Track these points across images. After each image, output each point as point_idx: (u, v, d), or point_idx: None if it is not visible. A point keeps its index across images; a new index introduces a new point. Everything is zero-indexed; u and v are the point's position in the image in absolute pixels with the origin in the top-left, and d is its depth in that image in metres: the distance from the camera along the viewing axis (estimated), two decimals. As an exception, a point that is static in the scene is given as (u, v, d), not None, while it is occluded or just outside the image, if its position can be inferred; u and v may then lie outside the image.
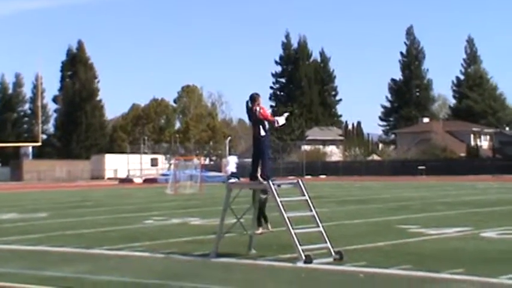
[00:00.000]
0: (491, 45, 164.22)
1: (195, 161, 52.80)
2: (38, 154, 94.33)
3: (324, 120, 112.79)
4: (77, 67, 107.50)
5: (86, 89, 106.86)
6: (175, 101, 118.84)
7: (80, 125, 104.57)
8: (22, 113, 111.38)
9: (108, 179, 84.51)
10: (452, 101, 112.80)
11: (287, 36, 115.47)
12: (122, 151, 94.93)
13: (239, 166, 24.72)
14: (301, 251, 11.78)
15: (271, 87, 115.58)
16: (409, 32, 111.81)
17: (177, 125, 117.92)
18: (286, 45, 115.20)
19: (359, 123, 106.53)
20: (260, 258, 12.45)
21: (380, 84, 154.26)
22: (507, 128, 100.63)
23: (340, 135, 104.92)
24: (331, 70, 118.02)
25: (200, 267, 11.87)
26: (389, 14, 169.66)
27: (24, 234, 17.87)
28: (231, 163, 25.64)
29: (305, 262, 11.62)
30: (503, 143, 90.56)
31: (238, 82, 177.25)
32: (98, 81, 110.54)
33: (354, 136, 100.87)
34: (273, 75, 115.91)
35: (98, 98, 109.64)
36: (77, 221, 21.92)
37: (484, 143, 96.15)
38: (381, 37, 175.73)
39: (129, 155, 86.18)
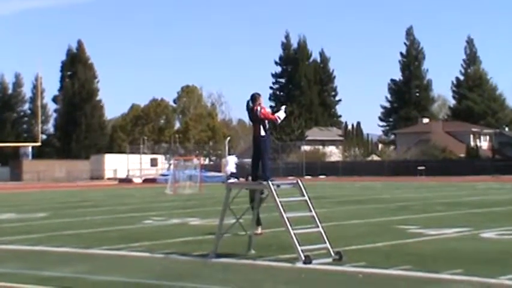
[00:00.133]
0: (491, 45, 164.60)
1: (195, 161, 52.81)
2: (38, 154, 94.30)
3: (323, 120, 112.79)
4: (76, 67, 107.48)
5: (86, 89, 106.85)
6: (175, 101, 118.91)
7: (80, 125, 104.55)
8: (22, 113, 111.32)
9: (108, 179, 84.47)
10: (452, 102, 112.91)
11: (287, 37, 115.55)
12: (121, 151, 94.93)
13: (238, 166, 24.72)
14: (300, 251, 11.77)
15: (270, 88, 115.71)
16: (409, 33, 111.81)
17: (177, 125, 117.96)
18: (285, 46, 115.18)
19: (359, 123, 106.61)
20: (259, 258, 12.44)
21: (380, 85, 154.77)
22: (507, 129, 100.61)
23: (340, 136, 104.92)
24: (331, 70, 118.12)
25: (199, 267, 11.86)
26: (389, 15, 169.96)
27: (23, 234, 17.87)
28: (231, 163, 25.66)
29: (304, 262, 11.61)
30: (503, 144, 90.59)
31: (238, 82, 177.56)
32: (98, 81, 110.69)
33: (353, 136, 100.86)
34: (272, 75, 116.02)
35: (98, 98, 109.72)
36: (76, 221, 21.91)
37: (484, 143, 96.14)
38: (381, 37, 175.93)
39: (128, 155, 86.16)
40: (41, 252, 14.33)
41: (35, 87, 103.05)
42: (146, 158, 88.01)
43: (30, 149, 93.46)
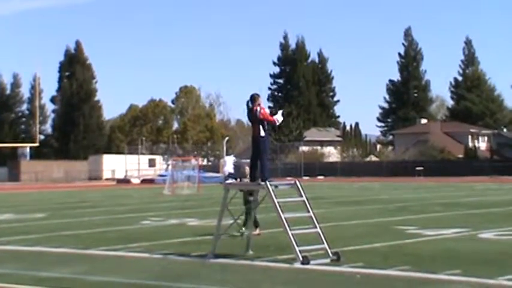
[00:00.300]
0: (489, 46, 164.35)
1: (193, 161, 52.75)
2: (36, 154, 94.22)
3: (321, 121, 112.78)
4: (74, 67, 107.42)
5: (84, 90, 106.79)
6: (173, 102, 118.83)
7: (78, 126, 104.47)
8: (20, 114, 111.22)
9: (106, 179, 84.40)
10: (450, 102, 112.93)
11: (285, 37, 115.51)
12: (119, 152, 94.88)
13: (236, 166, 24.70)
14: (298, 252, 11.77)
15: (269, 88, 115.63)
16: (407, 33, 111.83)
17: (175, 125, 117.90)
18: (284, 46, 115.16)
19: (357, 124, 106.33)
20: (257, 259, 12.45)
21: (378, 85, 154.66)
22: (505, 130, 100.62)
23: (338, 136, 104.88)
24: (329, 71, 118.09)
25: (198, 268, 11.86)
26: (387, 15, 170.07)
27: (21, 234, 17.86)
28: (229, 164, 25.68)
29: (302, 263, 11.62)
30: (501, 145, 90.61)
31: (236, 83, 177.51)
32: (96, 82, 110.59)
33: (351, 137, 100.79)
34: (271, 76, 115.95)
35: (96, 99, 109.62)
36: (75, 222, 21.91)
37: (482, 144, 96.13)
38: (379, 38, 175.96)
39: (126, 155, 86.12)
40: (39, 252, 14.32)
41: (33, 87, 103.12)
42: (144, 159, 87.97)
43: (28, 149, 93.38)
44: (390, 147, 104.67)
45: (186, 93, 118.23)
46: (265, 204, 13.36)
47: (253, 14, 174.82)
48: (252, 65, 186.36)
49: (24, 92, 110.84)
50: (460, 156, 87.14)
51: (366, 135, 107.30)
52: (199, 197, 36.88)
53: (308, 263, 11.62)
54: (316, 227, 12.42)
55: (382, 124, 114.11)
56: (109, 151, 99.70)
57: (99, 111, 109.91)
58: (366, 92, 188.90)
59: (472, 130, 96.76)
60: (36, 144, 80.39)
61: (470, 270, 10.91)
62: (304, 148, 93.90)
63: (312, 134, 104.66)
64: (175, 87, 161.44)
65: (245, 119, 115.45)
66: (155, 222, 20.97)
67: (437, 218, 21.16)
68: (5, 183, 75.85)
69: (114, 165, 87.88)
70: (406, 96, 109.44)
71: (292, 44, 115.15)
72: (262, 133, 12.84)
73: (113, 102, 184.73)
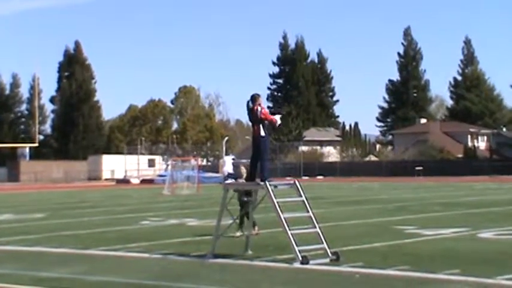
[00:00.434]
0: (489, 46, 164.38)
1: (192, 161, 52.75)
2: (35, 155, 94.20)
3: (321, 121, 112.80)
4: (74, 68, 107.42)
5: (83, 90, 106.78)
6: (172, 102, 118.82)
7: (77, 126, 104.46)
8: (19, 114, 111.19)
9: (105, 179, 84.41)
10: (450, 102, 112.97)
11: (284, 37, 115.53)
12: (119, 152, 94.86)
13: (235, 167, 24.67)
14: (297, 251, 11.78)
15: (268, 88, 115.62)
16: (407, 33, 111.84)
17: (174, 125, 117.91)
18: (283, 46, 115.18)
19: (356, 124, 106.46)
20: (257, 259, 12.45)
21: (377, 85, 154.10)
22: (504, 129, 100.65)
23: (338, 136, 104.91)
24: (329, 71, 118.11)
25: (197, 268, 11.87)
26: (386, 15, 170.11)
27: (21, 235, 17.86)
28: (228, 163, 25.66)
29: (302, 263, 11.62)
30: (501, 144, 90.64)
31: (236, 83, 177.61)
32: (95, 82, 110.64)
33: (351, 137, 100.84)
34: (270, 76, 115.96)
35: (95, 99, 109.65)
36: (74, 222, 21.91)
37: (481, 143, 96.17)
38: (378, 38, 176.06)
39: (126, 155, 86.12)
40: (38, 253, 14.32)
41: (32, 87, 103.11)
42: (144, 159, 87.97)
43: (27, 149, 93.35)
44: (390, 147, 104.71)
45: (186, 93, 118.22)
46: (265, 204, 13.36)
47: (253, 14, 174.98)
48: (252, 65, 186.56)
49: (24, 92, 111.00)
50: (460, 155, 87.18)
51: (365, 135, 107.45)
52: (199, 197, 36.89)
53: (307, 263, 11.62)
54: (315, 227, 12.43)
55: (382, 124, 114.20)
56: (108, 151, 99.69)
57: (98, 112, 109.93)
58: (365, 92, 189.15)
59: (471, 130, 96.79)
60: (36, 145, 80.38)
61: (470, 269, 10.91)
62: (304, 148, 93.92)
63: (311, 133, 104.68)
64: (174, 87, 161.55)
65: (244, 119, 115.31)
66: (155, 223, 20.98)
67: (436, 217, 21.16)
68: (5, 183, 75.85)
69: (114, 165, 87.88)
70: (405, 96, 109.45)
71: (292, 44, 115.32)
72: (263, 133, 12.84)
73: (112, 102, 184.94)
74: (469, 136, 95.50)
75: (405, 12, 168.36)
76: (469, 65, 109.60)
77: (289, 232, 11.98)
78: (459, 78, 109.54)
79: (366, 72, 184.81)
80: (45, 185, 71.02)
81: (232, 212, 13.65)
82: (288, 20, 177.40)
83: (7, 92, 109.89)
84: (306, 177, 73.22)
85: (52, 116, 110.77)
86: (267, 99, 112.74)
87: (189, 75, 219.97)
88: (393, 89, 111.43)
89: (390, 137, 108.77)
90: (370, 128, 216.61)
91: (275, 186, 12.67)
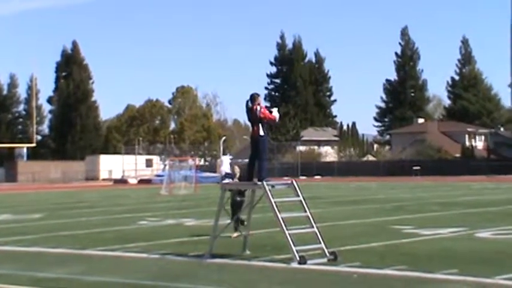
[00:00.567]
0: (486, 45, 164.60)
1: (190, 161, 52.72)
2: (33, 155, 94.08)
3: (318, 120, 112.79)
4: (71, 68, 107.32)
5: (81, 90, 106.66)
6: (170, 102, 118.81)
7: (75, 126, 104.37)
8: (17, 114, 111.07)
9: (103, 179, 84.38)
10: (447, 102, 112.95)
11: (282, 37, 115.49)
12: (116, 152, 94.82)
13: (230, 166, 24.64)
14: (295, 251, 11.78)
15: (266, 88, 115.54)
16: (404, 33, 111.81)
17: (172, 125, 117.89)
18: (281, 46, 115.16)
19: (354, 123, 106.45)
20: (254, 258, 12.46)
21: (375, 85, 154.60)
22: (502, 129, 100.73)
23: (335, 136, 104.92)
24: (326, 71, 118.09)
25: (195, 268, 11.87)
26: (384, 15, 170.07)
27: (18, 235, 17.85)
28: (225, 163, 25.64)
29: (299, 263, 11.63)
30: (498, 144, 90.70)
31: (233, 83, 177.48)
32: (93, 82, 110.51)
33: (348, 137, 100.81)
34: (268, 75, 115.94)
35: (93, 99, 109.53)
36: (72, 222, 21.89)
37: (479, 143, 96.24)
38: (376, 38, 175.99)
39: (123, 155, 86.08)
40: (36, 253, 14.31)
41: (29, 88, 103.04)
42: (141, 159, 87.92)
43: (25, 150, 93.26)
44: (387, 147, 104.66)
45: (183, 93, 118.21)
46: (262, 204, 13.36)
47: (250, 14, 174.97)
48: (249, 64, 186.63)
49: (21, 92, 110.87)
50: (457, 155, 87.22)
51: (363, 134, 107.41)
52: (197, 197, 36.87)
53: (305, 263, 11.63)
54: (313, 227, 12.43)
55: (379, 124, 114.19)
56: (106, 151, 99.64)
57: (96, 112, 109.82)
58: (363, 92, 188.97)
59: (469, 129, 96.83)
60: (33, 145, 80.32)
61: (467, 269, 10.92)
62: (301, 148, 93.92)
63: (309, 133, 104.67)
64: (172, 87, 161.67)
65: (242, 118, 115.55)
66: (152, 223, 20.98)
67: (434, 217, 21.18)
68: (2, 183, 75.79)
69: (111, 165, 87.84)
70: (403, 96, 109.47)
71: (289, 44, 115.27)
72: (262, 132, 12.84)
73: (109, 102, 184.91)
74: (467, 136, 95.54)
75: (402, 12, 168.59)
76: (467, 64, 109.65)
77: (286, 232, 11.98)
78: (457, 77, 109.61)
79: (364, 72, 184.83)
80: (42, 185, 70.96)
81: (230, 212, 13.63)
82: (285, 20, 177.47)
83: (5, 92, 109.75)
84: (304, 177, 73.21)
85: (50, 116, 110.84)
86: (265, 99, 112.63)
87: (186, 75, 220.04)
88: (391, 89, 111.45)
89: (388, 136, 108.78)
90: (368, 128, 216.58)
91: (272, 186, 12.67)
